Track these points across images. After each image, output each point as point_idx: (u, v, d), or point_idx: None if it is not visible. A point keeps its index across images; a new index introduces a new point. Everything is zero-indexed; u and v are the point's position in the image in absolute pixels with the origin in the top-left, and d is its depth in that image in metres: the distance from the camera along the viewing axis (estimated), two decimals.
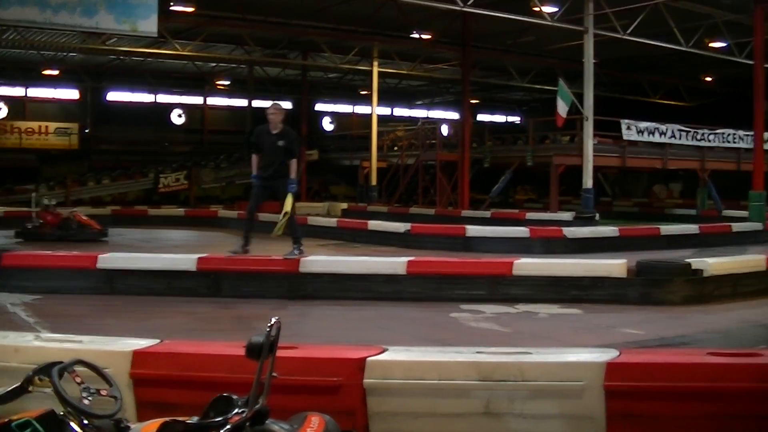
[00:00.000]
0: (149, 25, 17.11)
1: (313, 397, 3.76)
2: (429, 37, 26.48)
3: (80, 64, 33.51)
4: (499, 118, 46.45)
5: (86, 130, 35.91)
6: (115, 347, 4.19)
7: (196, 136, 39.04)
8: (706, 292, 9.52)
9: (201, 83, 37.87)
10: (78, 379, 2.66)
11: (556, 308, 8.86)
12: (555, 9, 20.35)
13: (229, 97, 39.70)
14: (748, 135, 24.57)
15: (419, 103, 44.12)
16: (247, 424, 2.51)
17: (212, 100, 39.77)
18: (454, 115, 41.37)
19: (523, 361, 3.92)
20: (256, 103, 33.96)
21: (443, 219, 22.36)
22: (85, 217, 17.72)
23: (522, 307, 8.91)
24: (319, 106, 42.17)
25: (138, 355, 4.07)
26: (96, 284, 9.45)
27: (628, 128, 24.22)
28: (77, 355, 2.95)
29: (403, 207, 26.96)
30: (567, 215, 20.99)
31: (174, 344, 4.42)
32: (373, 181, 29.39)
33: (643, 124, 24.60)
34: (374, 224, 18.23)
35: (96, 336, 4.62)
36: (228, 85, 38.00)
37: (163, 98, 38.38)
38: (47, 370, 2.61)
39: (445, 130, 33.04)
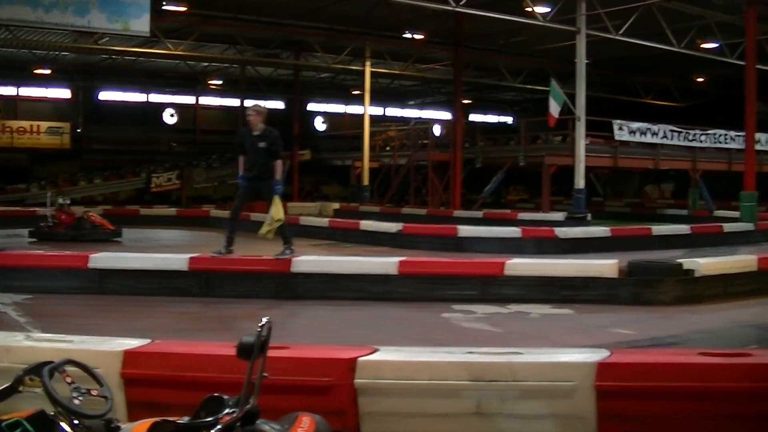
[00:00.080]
0: (141, 25, 17.09)
1: (304, 397, 3.75)
2: (421, 37, 26.50)
3: (72, 64, 33.45)
4: (491, 119, 46.49)
5: (78, 130, 35.77)
6: (106, 347, 4.18)
7: (188, 135, 38.94)
8: (698, 292, 9.53)
9: (193, 83, 37.80)
10: (69, 379, 2.65)
11: (547, 308, 8.87)
12: (547, 9, 20.40)
13: (222, 97, 39.58)
14: (739, 136, 24.68)
15: (411, 103, 44.10)
16: (238, 424, 2.52)
17: (204, 100, 39.69)
18: (446, 115, 41.41)
19: (515, 362, 3.93)
20: (249, 103, 33.76)
21: (435, 219, 22.35)
22: (98, 218, 17.67)
23: (513, 308, 8.91)
24: (312, 106, 42.12)
25: (129, 355, 4.07)
26: (87, 284, 9.42)
27: (620, 128, 24.27)
28: (68, 355, 2.94)
29: (395, 207, 26.92)
30: (559, 215, 21.01)
31: (165, 344, 4.41)
32: (365, 181, 29.31)
33: (635, 125, 24.66)
34: (366, 224, 18.25)
35: (87, 336, 4.60)
36: (220, 84, 37.94)
37: (155, 98, 38.33)
38: (38, 370, 2.60)
39: (437, 130, 33.05)
